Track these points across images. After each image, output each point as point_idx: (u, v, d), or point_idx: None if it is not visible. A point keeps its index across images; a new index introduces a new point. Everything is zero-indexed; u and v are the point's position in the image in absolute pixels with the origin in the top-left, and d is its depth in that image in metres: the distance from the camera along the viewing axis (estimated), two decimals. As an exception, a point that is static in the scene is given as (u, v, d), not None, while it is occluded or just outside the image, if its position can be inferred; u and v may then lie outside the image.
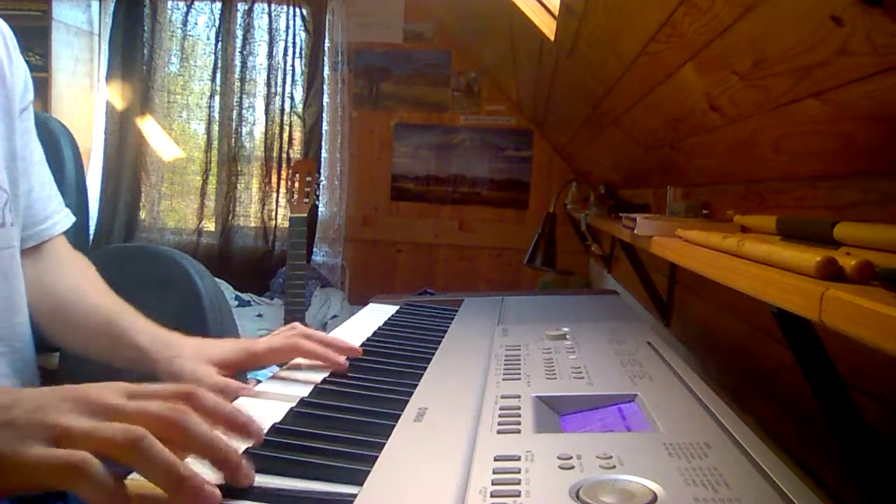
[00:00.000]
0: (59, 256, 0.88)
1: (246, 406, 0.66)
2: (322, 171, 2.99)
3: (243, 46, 3.02)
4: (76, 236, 0.96)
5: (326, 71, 2.99)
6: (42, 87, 2.76)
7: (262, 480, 0.47)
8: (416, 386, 0.67)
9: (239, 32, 3.01)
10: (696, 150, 1.06)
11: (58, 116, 1.64)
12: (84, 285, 0.87)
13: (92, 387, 0.48)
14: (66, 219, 0.90)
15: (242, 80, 3.02)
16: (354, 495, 0.44)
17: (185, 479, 0.43)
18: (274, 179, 3.04)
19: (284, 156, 3.03)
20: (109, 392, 0.47)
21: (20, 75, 0.82)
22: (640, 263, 1.52)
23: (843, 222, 0.53)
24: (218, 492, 0.44)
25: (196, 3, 3.02)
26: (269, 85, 3.01)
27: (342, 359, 0.78)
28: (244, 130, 3.04)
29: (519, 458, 0.47)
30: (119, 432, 0.43)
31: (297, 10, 2.98)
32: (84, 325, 0.82)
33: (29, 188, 0.83)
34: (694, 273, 0.72)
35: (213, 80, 3.03)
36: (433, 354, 0.81)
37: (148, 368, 0.77)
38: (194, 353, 0.77)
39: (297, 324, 0.85)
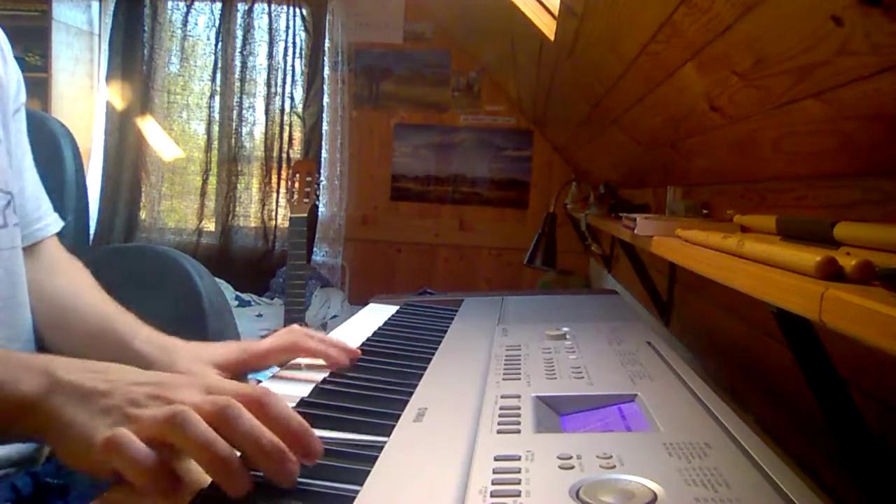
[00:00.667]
0: (55, 258, 0.89)
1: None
2: (322, 171, 2.99)
3: (243, 46, 3.02)
4: (76, 236, 0.96)
5: (326, 71, 2.99)
6: (42, 87, 2.76)
7: (262, 480, 0.47)
8: (416, 386, 0.67)
9: (239, 32, 3.02)
10: (696, 150, 1.06)
11: (58, 116, 1.64)
12: (80, 290, 0.87)
13: (180, 387, 0.49)
14: (56, 221, 0.90)
15: (242, 80, 3.02)
16: (354, 495, 0.44)
17: (223, 459, 0.43)
18: (274, 179, 3.04)
19: (284, 156, 3.03)
20: (193, 393, 0.49)
21: (13, 76, 0.82)
22: (640, 263, 1.52)
23: (843, 222, 0.53)
24: (250, 478, 0.44)
25: (196, 4, 3.03)
26: (269, 85, 3.01)
27: (344, 357, 0.78)
28: (244, 130, 3.05)
29: (519, 458, 0.47)
30: (160, 411, 0.45)
31: (297, 10, 2.98)
32: (83, 331, 0.82)
33: (21, 188, 0.83)
34: (694, 273, 0.72)
35: (213, 80, 3.03)
36: (433, 354, 0.81)
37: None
38: (192, 356, 0.77)
39: (295, 326, 0.85)
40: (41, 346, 0.83)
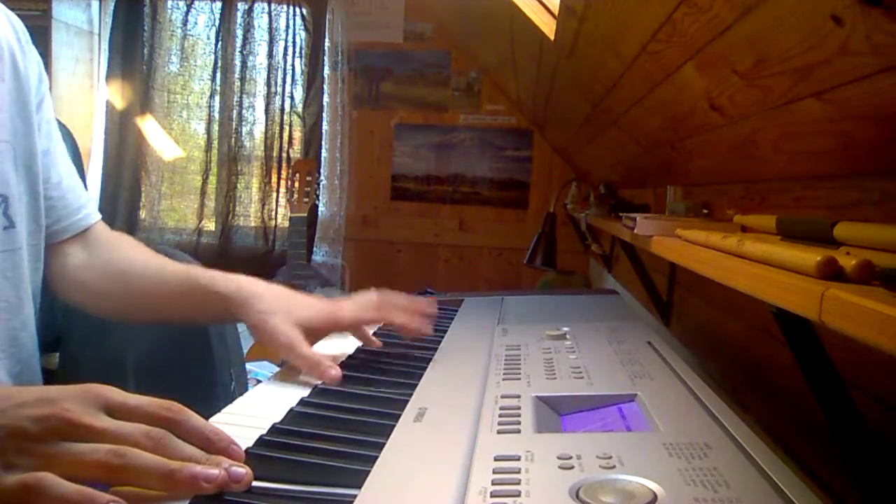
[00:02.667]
0: (108, 237, 0.90)
1: (246, 406, 0.67)
2: (322, 171, 2.99)
3: (243, 46, 3.02)
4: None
5: (326, 71, 2.99)
6: (42, 86, 2.76)
7: (261, 481, 0.47)
8: (416, 386, 0.67)
9: (239, 32, 3.01)
10: (696, 150, 1.06)
11: (58, 116, 1.63)
12: (143, 255, 0.88)
13: (68, 401, 0.46)
14: (96, 210, 0.91)
15: (242, 79, 3.02)
16: (354, 495, 0.44)
17: (176, 472, 0.44)
18: (274, 179, 3.04)
19: (284, 156, 3.03)
20: (87, 411, 0.46)
21: (34, 68, 0.81)
22: (640, 263, 1.52)
23: (843, 222, 0.53)
24: (215, 472, 0.44)
25: (196, 3, 3.02)
26: (269, 85, 3.01)
27: (429, 328, 0.83)
28: (244, 130, 3.04)
29: (519, 458, 0.47)
30: (102, 456, 0.43)
31: (297, 10, 2.98)
32: (159, 290, 0.83)
33: (59, 179, 0.83)
34: (694, 273, 0.72)
35: (213, 79, 3.03)
36: (433, 354, 0.81)
37: (235, 318, 0.79)
38: (285, 312, 0.77)
39: (374, 292, 0.86)
40: (44, 347, 0.83)
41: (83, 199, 0.88)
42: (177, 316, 0.83)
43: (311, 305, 0.81)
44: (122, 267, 0.86)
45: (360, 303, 0.84)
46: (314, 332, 0.79)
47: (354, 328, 0.84)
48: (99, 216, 0.90)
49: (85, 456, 0.44)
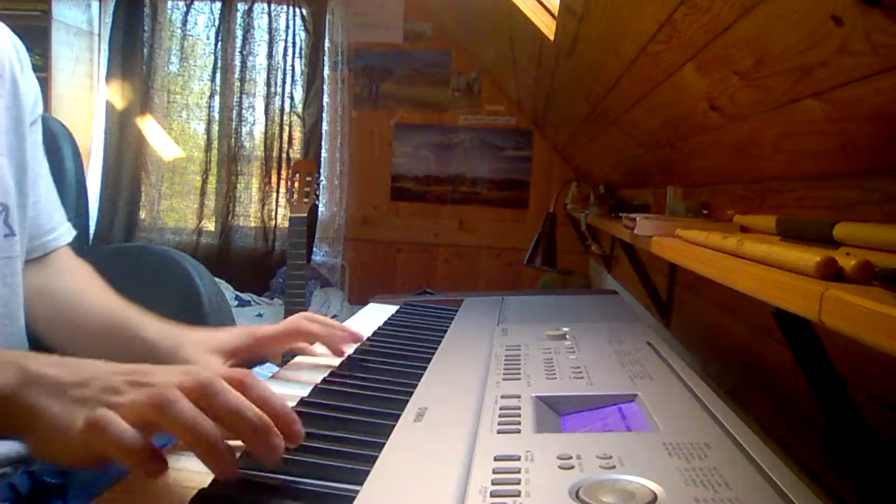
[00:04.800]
0: (63, 264, 0.89)
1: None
2: (322, 171, 2.99)
3: (243, 46, 3.02)
4: (76, 237, 0.96)
5: (326, 71, 2.99)
6: (42, 87, 2.75)
7: (261, 480, 0.47)
8: (416, 386, 0.67)
9: (239, 32, 3.01)
10: (696, 150, 1.06)
11: (58, 116, 1.64)
12: (86, 288, 0.87)
13: (156, 374, 0.49)
14: (69, 231, 0.91)
15: (242, 80, 3.02)
16: (354, 495, 0.44)
17: (208, 437, 0.43)
18: (274, 179, 3.04)
19: (284, 156, 3.03)
20: (172, 384, 0.47)
21: (31, 89, 0.82)
22: (640, 263, 1.52)
23: (843, 222, 0.53)
24: (236, 459, 0.45)
25: (196, 3, 3.02)
26: (269, 85, 3.01)
27: (349, 339, 0.82)
28: (244, 130, 3.05)
29: (519, 458, 0.47)
30: (142, 393, 0.46)
31: (297, 10, 2.98)
32: (88, 326, 0.82)
33: (35, 199, 0.83)
34: (694, 273, 0.72)
35: (213, 79, 3.03)
36: (433, 354, 0.81)
37: (155, 362, 0.78)
38: (199, 342, 0.78)
39: (301, 312, 0.87)
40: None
41: (55, 221, 0.87)
42: (104, 356, 0.83)
43: (227, 332, 0.83)
44: (69, 298, 0.85)
45: (281, 322, 0.86)
46: (236, 354, 0.80)
47: (278, 343, 0.85)
48: (66, 241, 0.89)
49: (126, 398, 0.47)
